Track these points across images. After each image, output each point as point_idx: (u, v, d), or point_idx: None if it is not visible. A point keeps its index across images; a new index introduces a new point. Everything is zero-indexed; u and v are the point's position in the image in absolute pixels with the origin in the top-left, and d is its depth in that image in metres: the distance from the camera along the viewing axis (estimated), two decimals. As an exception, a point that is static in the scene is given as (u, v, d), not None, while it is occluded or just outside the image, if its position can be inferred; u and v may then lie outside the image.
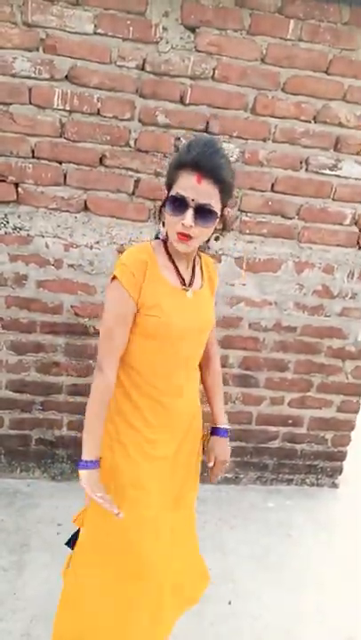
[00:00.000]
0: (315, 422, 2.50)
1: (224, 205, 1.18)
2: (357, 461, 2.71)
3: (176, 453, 1.36)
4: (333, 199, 2.13)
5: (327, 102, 1.98)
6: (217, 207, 1.14)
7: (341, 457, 2.60)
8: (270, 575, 2.03)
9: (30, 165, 1.93)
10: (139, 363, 1.26)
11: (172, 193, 1.13)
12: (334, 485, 2.66)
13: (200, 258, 1.36)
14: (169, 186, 1.16)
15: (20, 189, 1.96)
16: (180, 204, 1.11)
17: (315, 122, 2.01)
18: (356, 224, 2.18)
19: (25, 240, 2.03)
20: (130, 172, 1.99)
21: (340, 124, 2.02)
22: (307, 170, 2.07)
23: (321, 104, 1.98)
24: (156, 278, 1.22)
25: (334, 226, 2.17)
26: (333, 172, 2.09)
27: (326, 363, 2.40)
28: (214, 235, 1.24)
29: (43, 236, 2.04)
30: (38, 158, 1.93)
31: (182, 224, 1.11)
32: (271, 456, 2.53)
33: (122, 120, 1.91)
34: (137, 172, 1.98)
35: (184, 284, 1.26)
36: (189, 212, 1.10)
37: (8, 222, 2.00)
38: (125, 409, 1.28)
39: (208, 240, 1.25)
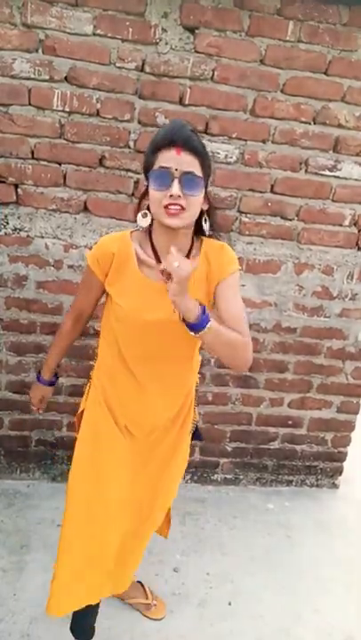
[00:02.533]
0: (315, 423, 2.50)
1: (205, 182, 1.20)
2: (358, 462, 2.71)
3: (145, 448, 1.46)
4: (333, 200, 2.13)
5: (326, 103, 1.98)
6: (201, 175, 1.16)
7: (341, 458, 2.60)
8: (270, 576, 2.03)
9: (30, 166, 1.93)
10: (106, 334, 1.39)
11: (155, 168, 1.15)
12: (334, 486, 2.66)
13: (201, 245, 1.28)
14: (147, 170, 1.20)
15: (19, 190, 1.96)
16: (164, 176, 1.13)
17: (314, 123, 2.01)
18: (355, 225, 2.18)
19: (25, 241, 2.04)
20: (129, 173, 1.99)
21: (340, 125, 2.02)
22: (306, 171, 2.07)
23: (320, 105, 1.98)
24: (125, 269, 1.26)
25: (334, 227, 2.17)
26: (333, 173, 2.09)
27: (326, 363, 2.40)
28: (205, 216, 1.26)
29: (43, 237, 2.04)
30: (38, 159, 1.93)
31: (170, 195, 1.12)
32: (271, 457, 2.53)
33: (121, 121, 1.91)
34: (137, 173, 1.98)
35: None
36: (175, 182, 1.12)
37: (8, 223, 2.00)
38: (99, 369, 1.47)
39: (202, 219, 1.24)
